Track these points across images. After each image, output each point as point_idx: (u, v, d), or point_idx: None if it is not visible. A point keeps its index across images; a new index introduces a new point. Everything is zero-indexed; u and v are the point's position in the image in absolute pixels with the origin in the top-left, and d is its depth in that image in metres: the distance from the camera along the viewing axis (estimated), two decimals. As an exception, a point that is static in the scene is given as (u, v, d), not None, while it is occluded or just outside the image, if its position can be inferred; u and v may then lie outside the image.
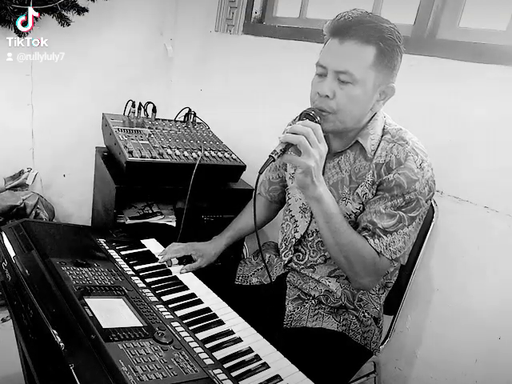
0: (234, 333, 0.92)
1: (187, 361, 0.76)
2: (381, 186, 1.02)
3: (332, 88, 0.97)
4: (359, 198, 1.06)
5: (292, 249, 1.20)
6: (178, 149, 1.56)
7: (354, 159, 1.07)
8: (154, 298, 0.98)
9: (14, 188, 2.10)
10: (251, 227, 1.38)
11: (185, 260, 1.25)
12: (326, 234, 1.01)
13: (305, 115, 0.97)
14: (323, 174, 0.97)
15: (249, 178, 1.73)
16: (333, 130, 1.02)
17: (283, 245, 1.24)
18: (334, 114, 0.99)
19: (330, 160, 1.09)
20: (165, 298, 1.00)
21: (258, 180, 0.95)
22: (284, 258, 1.22)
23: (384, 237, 1.01)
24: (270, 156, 0.91)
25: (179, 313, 0.95)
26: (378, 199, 1.02)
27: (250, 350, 0.87)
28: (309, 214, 1.16)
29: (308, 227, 1.16)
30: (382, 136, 1.05)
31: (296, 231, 1.19)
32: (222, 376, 0.76)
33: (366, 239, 1.01)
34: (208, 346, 0.85)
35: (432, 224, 1.25)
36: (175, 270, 1.19)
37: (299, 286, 1.17)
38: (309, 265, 1.17)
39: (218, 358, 0.81)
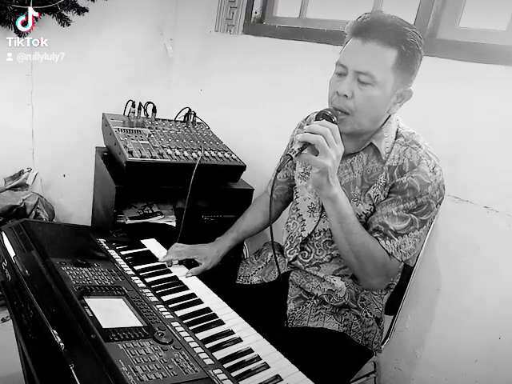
0: (234, 333, 0.92)
1: (187, 361, 0.76)
2: (393, 188, 1.02)
3: (351, 88, 0.97)
4: (370, 200, 1.06)
5: (298, 247, 1.20)
6: (178, 149, 1.56)
7: (367, 160, 1.07)
8: (154, 298, 0.98)
9: (14, 188, 2.10)
10: (254, 229, 1.39)
11: (184, 261, 1.25)
12: (339, 234, 1.01)
13: (322, 115, 0.97)
14: None
15: (249, 178, 1.73)
16: (349, 131, 1.02)
17: (288, 243, 1.24)
18: (351, 115, 0.99)
19: (343, 160, 1.09)
20: (165, 298, 1.00)
21: (275, 178, 0.99)
22: (289, 256, 1.22)
23: (395, 239, 1.01)
24: (287, 155, 0.92)
25: (179, 313, 0.95)
26: (390, 201, 1.02)
27: (250, 350, 0.87)
28: (318, 214, 1.16)
29: (316, 226, 1.16)
30: (395, 139, 1.05)
31: (303, 230, 1.19)
32: (222, 376, 0.76)
33: (378, 240, 1.02)
34: (208, 346, 0.85)
35: (432, 224, 1.25)
36: (175, 270, 1.19)
37: (302, 285, 1.17)
38: (314, 263, 1.17)
39: (218, 358, 0.81)
